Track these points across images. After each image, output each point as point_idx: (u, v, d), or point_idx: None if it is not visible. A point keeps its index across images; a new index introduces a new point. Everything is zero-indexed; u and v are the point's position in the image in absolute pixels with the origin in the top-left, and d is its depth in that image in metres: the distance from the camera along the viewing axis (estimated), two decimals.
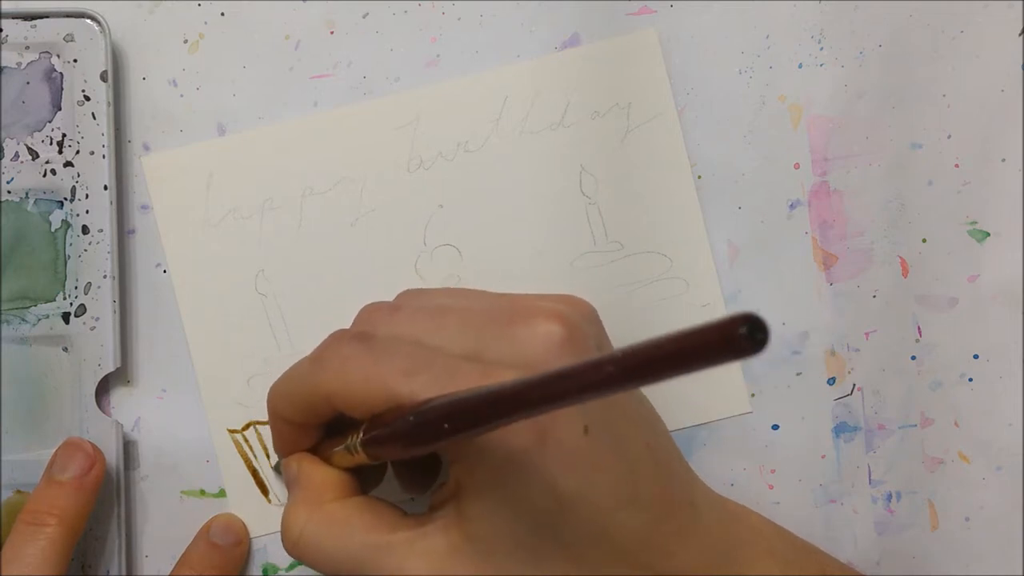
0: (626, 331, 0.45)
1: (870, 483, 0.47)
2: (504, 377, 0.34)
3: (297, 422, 0.40)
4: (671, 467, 0.38)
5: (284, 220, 0.46)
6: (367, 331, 0.38)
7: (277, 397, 0.40)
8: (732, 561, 0.38)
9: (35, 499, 0.43)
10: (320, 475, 0.40)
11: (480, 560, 0.36)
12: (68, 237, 0.45)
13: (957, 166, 0.47)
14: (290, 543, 0.39)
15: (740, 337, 0.24)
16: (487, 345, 0.36)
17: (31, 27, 0.45)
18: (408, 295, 0.41)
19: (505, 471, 0.35)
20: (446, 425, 0.32)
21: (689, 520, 0.38)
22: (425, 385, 0.35)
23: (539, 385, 0.29)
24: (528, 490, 0.35)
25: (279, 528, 0.46)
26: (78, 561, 0.45)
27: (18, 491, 0.44)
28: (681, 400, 0.46)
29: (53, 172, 0.45)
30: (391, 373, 0.36)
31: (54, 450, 0.44)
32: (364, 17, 0.47)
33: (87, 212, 0.45)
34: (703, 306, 0.47)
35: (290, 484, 0.41)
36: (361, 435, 0.37)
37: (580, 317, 0.37)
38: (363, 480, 0.41)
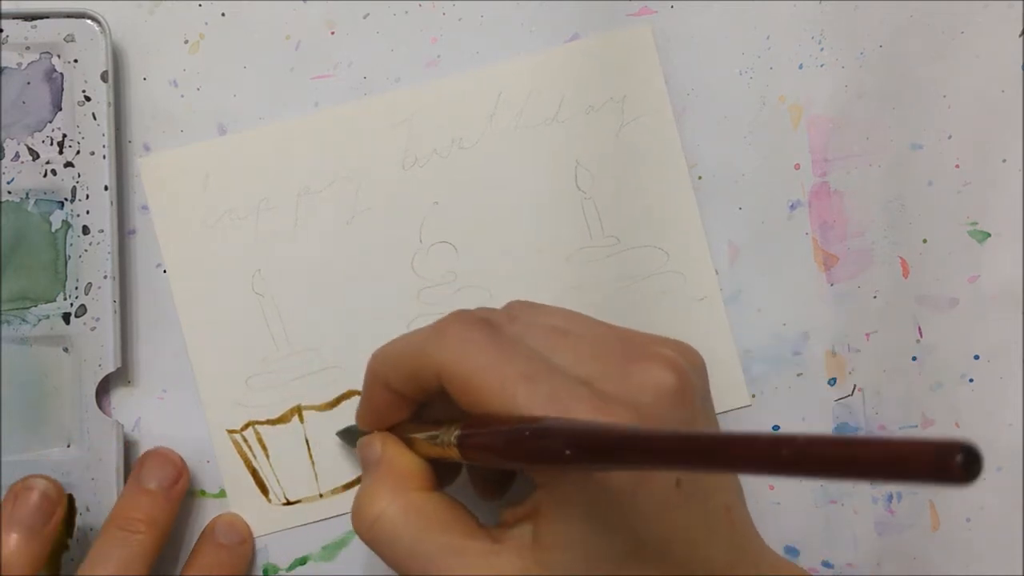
0: (625, 326, 0.45)
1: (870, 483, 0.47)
2: (620, 414, 0.34)
3: (397, 390, 0.39)
4: (746, 533, 0.38)
5: (280, 220, 0.46)
6: (493, 321, 0.37)
7: (383, 360, 0.39)
8: None
9: (126, 505, 0.43)
10: (405, 460, 0.39)
11: None
12: (68, 237, 0.45)
13: (957, 166, 0.47)
14: (365, 524, 0.38)
15: (955, 466, 0.23)
16: (601, 376, 0.35)
17: (31, 27, 0.45)
18: (521, 307, 0.40)
19: (593, 510, 0.34)
20: (568, 452, 0.31)
21: None
22: (543, 398, 0.34)
23: (702, 444, 0.28)
24: (612, 533, 0.34)
25: (280, 528, 0.46)
26: (78, 561, 0.45)
27: None
28: None
29: (53, 172, 0.45)
30: (512, 373, 0.35)
31: (55, 449, 0.44)
32: (364, 17, 0.47)
33: (87, 212, 0.45)
34: (700, 299, 0.47)
35: (370, 463, 0.40)
36: (458, 430, 0.36)
37: (691, 368, 0.37)
38: (439, 477, 0.40)
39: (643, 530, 0.34)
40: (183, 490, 0.45)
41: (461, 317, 0.37)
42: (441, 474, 0.40)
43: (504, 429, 0.34)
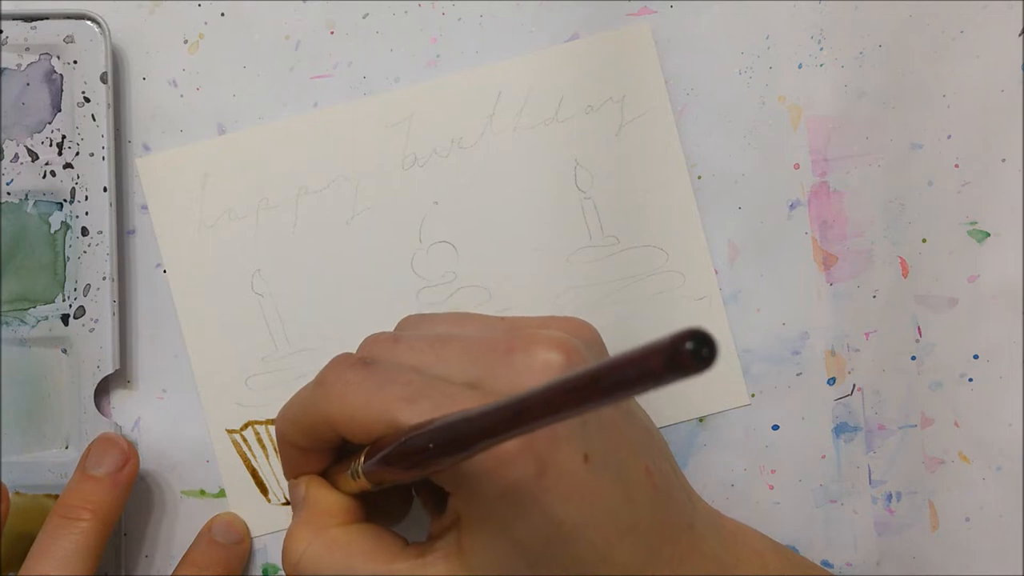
0: (625, 326, 0.45)
1: (870, 483, 0.47)
2: None
3: (303, 446, 0.40)
4: (670, 492, 0.38)
5: (279, 220, 0.46)
6: (370, 356, 0.38)
7: (283, 421, 0.40)
8: None
9: (69, 493, 0.43)
10: (326, 499, 0.40)
11: None
12: (67, 239, 0.45)
13: (957, 166, 0.47)
14: (290, 565, 0.39)
15: (686, 353, 0.24)
16: (487, 374, 0.36)
17: (31, 28, 0.45)
18: (409, 322, 0.41)
19: (504, 502, 0.35)
20: (431, 445, 0.32)
21: (687, 543, 0.37)
22: (425, 412, 0.35)
23: (504, 409, 0.29)
24: (527, 521, 0.35)
25: (280, 528, 0.46)
26: None
27: (17, 492, 0.44)
28: (678, 394, 0.46)
29: (53, 174, 0.45)
30: (392, 400, 0.36)
31: (53, 451, 0.44)
32: (364, 17, 0.47)
33: (86, 214, 0.45)
34: (699, 299, 0.47)
35: (296, 505, 0.40)
36: (362, 460, 0.37)
37: (580, 342, 0.37)
38: (387, 512, 0.41)
39: (558, 513, 0.35)
40: (131, 475, 0.44)
41: (338, 362, 0.38)
42: (391, 510, 0.41)
43: (385, 445, 0.35)
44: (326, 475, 0.41)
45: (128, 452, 0.44)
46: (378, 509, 0.40)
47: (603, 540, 0.35)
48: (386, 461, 0.35)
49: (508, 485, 0.34)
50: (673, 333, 0.24)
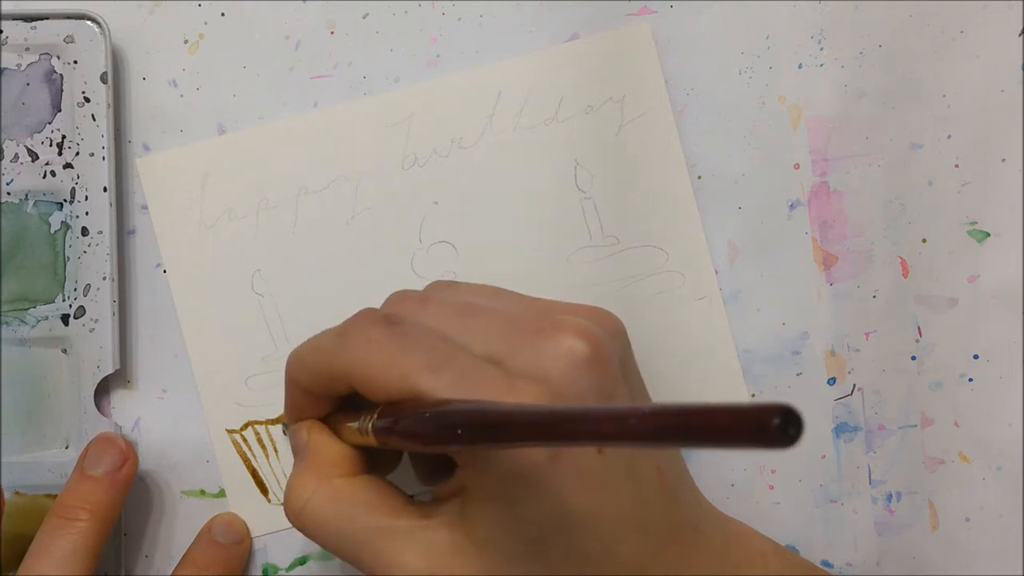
0: (625, 326, 0.45)
1: (870, 483, 0.47)
2: (526, 391, 0.34)
3: (311, 391, 0.39)
4: (678, 491, 0.38)
5: (279, 220, 0.46)
6: (395, 315, 0.38)
7: (296, 364, 0.40)
8: None
9: (67, 493, 0.43)
10: (331, 448, 0.39)
11: (480, 564, 0.35)
12: (67, 239, 0.45)
13: (957, 166, 0.47)
14: (293, 512, 0.38)
15: (773, 429, 0.24)
16: (512, 352, 0.36)
17: (31, 28, 0.45)
18: (438, 287, 0.41)
19: (514, 483, 0.35)
20: (459, 431, 0.32)
21: (692, 543, 0.37)
22: (446, 383, 0.35)
23: (560, 421, 0.29)
24: (535, 505, 0.35)
25: (280, 528, 0.46)
26: None
27: (17, 492, 0.44)
28: (678, 394, 0.46)
29: (53, 174, 0.45)
30: (414, 365, 0.35)
31: (53, 451, 0.44)
32: (364, 17, 0.47)
33: (87, 214, 0.45)
34: (699, 299, 0.47)
35: (298, 451, 0.40)
36: (375, 419, 0.37)
37: (606, 333, 0.37)
38: (379, 463, 0.41)
39: (567, 501, 0.35)
40: (129, 475, 0.44)
41: (363, 317, 0.38)
42: (383, 461, 0.41)
43: (408, 415, 0.35)
44: (327, 422, 0.41)
45: (126, 452, 0.44)
46: (372, 459, 0.40)
47: (610, 534, 0.35)
48: (406, 433, 0.35)
49: (520, 466, 0.34)
50: (761, 404, 0.24)
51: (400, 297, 0.39)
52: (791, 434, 0.23)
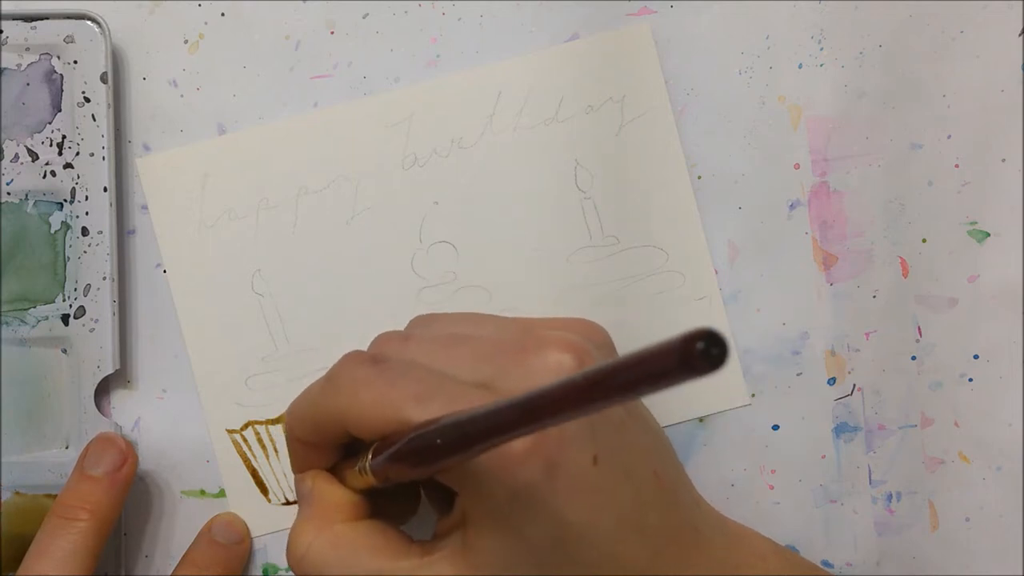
0: (625, 326, 0.45)
1: (870, 483, 0.47)
2: None
3: (311, 442, 0.40)
4: (677, 494, 0.38)
5: (279, 220, 0.46)
6: (380, 354, 0.38)
7: (292, 417, 0.40)
8: None
9: (67, 493, 0.43)
10: (333, 494, 0.39)
11: None
12: (68, 239, 0.45)
13: (957, 166, 0.47)
14: (295, 560, 0.38)
15: (697, 354, 0.24)
16: (499, 375, 0.36)
17: (31, 28, 0.45)
18: (419, 322, 0.41)
19: (513, 504, 0.34)
20: (439, 441, 0.32)
21: (692, 546, 0.37)
22: (436, 411, 0.34)
23: (514, 406, 0.29)
24: (536, 523, 0.35)
25: (280, 528, 0.46)
26: None
27: (17, 492, 0.44)
28: (678, 394, 0.46)
29: (53, 174, 0.45)
30: (403, 398, 0.35)
31: (53, 451, 0.44)
32: (364, 17, 0.47)
33: (87, 214, 0.45)
34: (700, 299, 0.47)
35: (302, 500, 0.40)
36: (370, 456, 0.37)
37: (592, 345, 0.37)
38: (395, 511, 0.41)
39: (567, 514, 0.35)
40: (129, 475, 0.44)
41: (349, 359, 0.38)
42: (400, 508, 0.41)
43: (395, 440, 0.35)
44: (333, 471, 0.41)
45: (126, 452, 0.44)
46: (386, 507, 0.40)
47: (609, 540, 0.35)
48: (394, 458, 0.35)
49: (517, 486, 0.34)
50: (684, 333, 0.24)
51: (384, 339, 0.40)
52: (714, 355, 0.24)
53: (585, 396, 0.27)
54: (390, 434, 0.36)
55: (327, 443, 0.39)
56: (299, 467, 0.41)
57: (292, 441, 0.40)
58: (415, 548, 0.37)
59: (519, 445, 0.34)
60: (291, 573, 0.46)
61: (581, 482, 0.35)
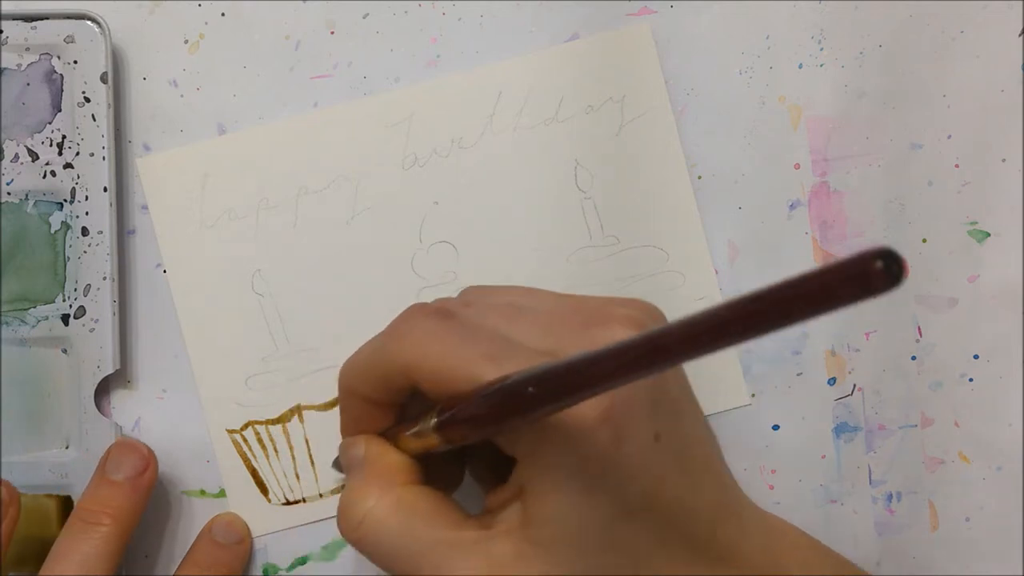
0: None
1: (870, 483, 0.47)
2: None
3: (373, 399, 0.38)
4: (724, 479, 0.38)
5: (280, 220, 0.46)
6: (448, 310, 0.37)
7: (351, 372, 0.39)
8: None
9: (89, 498, 0.43)
10: (390, 457, 0.38)
11: (548, 565, 0.35)
12: (68, 239, 0.45)
13: (957, 166, 0.47)
14: (351, 525, 0.37)
15: (878, 271, 0.23)
16: (564, 346, 0.35)
17: (31, 28, 0.45)
18: (475, 292, 0.40)
19: (582, 470, 0.34)
20: (531, 389, 0.31)
21: (738, 534, 0.37)
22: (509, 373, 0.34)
23: (635, 346, 0.28)
24: (597, 494, 0.34)
25: (280, 527, 0.46)
26: None
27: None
28: None
29: (53, 174, 0.45)
30: (475, 356, 0.35)
31: (54, 451, 0.44)
32: (364, 17, 0.47)
33: (87, 214, 0.45)
34: (700, 299, 0.47)
35: (354, 465, 0.39)
36: (436, 416, 0.36)
37: (652, 321, 0.37)
38: (442, 481, 0.40)
39: (628, 489, 0.34)
40: (151, 480, 0.44)
41: (416, 311, 0.37)
42: (444, 481, 0.40)
43: (474, 394, 0.34)
44: (384, 436, 0.39)
45: (148, 457, 0.44)
46: (431, 479, 0.39)
47: (668, 516, 0.35)
48: (472, 418, 0.34)
49: (588, 453, 0.34)
50: (859, 252, 0.23)
51: (443, 301, 0.39)
52: (895, 273, 0.23)
53: (743, 322, 0.26)
54: (458, 392, 0.35)
55: (387, 400, 0.38)
56: (352, 429, 0.40)
57: (351, 399, 0.39)
58: (473, 520, 0.37)
59: (591, 412, 0.33)
60: (291, 573, 0.46)
61: (644, 457, 0.34)
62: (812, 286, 0.24)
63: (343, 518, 0.38)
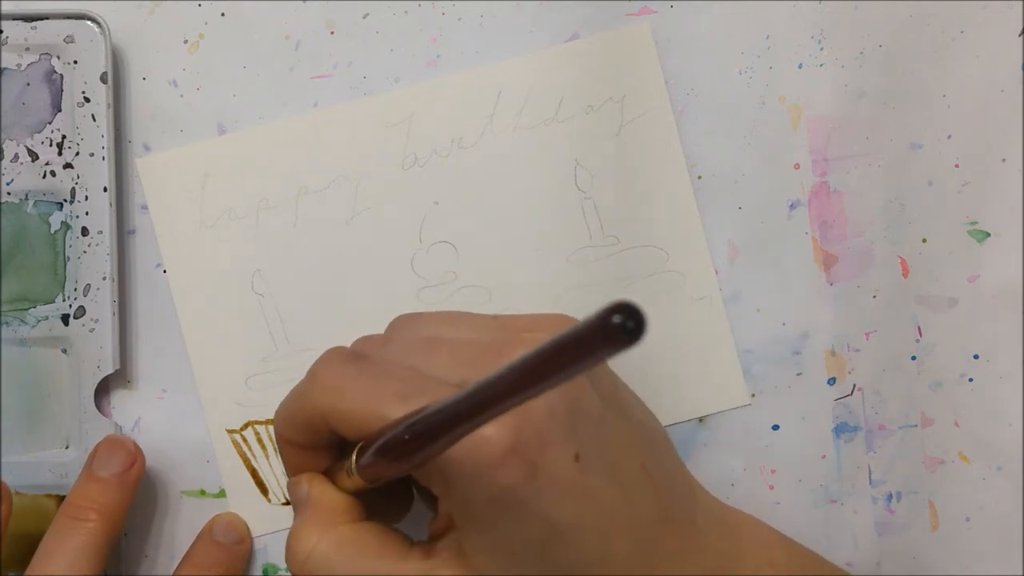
0: None
1: (870, 483, 0.47)
2: None
3: (301, 444, 0.39)
4: (670, 487, 0.38)
5: (280, 220, 0.46)
6: (361, 352, 0.38)
7: (278, 420, 0.40)
8: None
9: (76, 493, 0.43)
10: (331, 496, 0.39)
11: None
12: (68, 239, 0.45)
13: (957, 166, 0.47)
14: (297, 563, 0.38)
15: (614, 327, 0.24)
16: (477, 376, 0.35)
17: (31, 28, 0.45)
18: (399, 324, 0.40)
19: (497, 507, 0.34)
20: (406, 436, 0.32)
21: (688, 539, 0.37)
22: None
23: (470, 395, 0.30)
24: (523, 524, 0.34)
25: (280, 528, 0.46)
26: None
27: (17, 492, 0.44)
28: (678, 394, 0.46)
29: (53, 174, 0.45)
30: (386, 395, 0.35)
31: (54, 451, 0.44)
32: (364, 17, 0.47)
33: (87, 214, 0.45)
34: (700, 299, 0.47)
35: (299, 504, 0.40)
36: (355, 456, 0.37)
37: None
38: (389, 510, 0.41)
39: (554, 512, 0.34)
40: (137, 476, 0.44)
41: (332, 356, 0.38)
42: (392, 508, 0.41)
43: (373, 438, 0.35)
44: (327, 474, 0.40)
45: (135, 453, 0.44)
46: (380, 507, 0.40)
47: (600, 540, 0.35)
48: (375, 454, 0.35)
49: (498, 489, 0.34)
50: (603, 307, 0.24)
51: (363, 341, 0.40)
52: (630, 327, 0.24)
53: (529, 378, 0.28)
54: (373, 432, 0.35)
55: (316, 444, 0.39)
56: (292, 470, 0.41)
57: (282, 444, 0.40)
58: (416, 550, 0.37)
59: (497, 448, 0.33)
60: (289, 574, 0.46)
61: (564, 482, 0.34)
62: (566, 344, 0.26)
63: (290, 554, 0.38)
